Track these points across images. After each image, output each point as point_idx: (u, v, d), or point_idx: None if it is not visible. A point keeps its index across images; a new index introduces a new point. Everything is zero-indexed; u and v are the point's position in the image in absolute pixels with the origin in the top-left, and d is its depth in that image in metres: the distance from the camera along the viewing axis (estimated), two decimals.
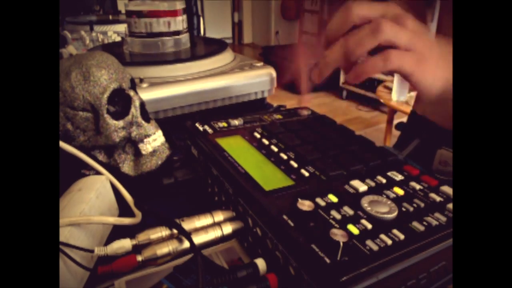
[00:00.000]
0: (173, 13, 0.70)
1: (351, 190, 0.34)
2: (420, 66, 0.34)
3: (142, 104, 0.47)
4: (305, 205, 0.31)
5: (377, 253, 0.26)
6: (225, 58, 0.73)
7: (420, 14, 0.62)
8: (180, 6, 0.71)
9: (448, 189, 0.34)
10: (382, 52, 0.34)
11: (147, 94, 0.57)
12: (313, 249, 0.26)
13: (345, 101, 3.49)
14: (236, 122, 0.49)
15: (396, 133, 0.70)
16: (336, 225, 0.29)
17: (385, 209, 0.31)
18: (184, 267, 0.32)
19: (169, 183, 0.46)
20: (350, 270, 0.25)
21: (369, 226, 0.29)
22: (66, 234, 0.30)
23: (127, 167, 0.46)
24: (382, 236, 0.28)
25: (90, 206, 0.34)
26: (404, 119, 0.77)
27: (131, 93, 0.45)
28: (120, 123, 0.43)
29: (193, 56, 0.70)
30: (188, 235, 0.33)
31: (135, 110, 0.44)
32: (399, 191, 0.34)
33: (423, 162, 0.55)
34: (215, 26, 4.86)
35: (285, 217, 0.30)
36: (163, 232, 0.34)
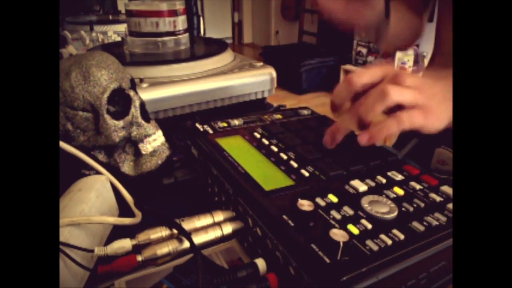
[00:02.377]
0: (173, 13, 0.70)
1: (351, 190, 0.34)
2: (428, 117, 0.37)
3: (142, 104, 0.47)
4: (305, 205, 0.31)
5: (377, 253, 0.26)
6: (225, 58, 0.72)
7: (417, 14, 0.63)
8: (180, 6, 0.71)
9: (448, 189, 0.34)
10: (394, 115, 0.37)
11: (147, 94, 0.57)
12: (313, 249, 0.26)
13: None
14: (236, 122, 0.49)
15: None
16: (336, 225, 0.29)
17: (385, 209, 0.31)
18: (184, 267, 0.32)
19: (169, 183, 0.46)
20: (350, 270, 0.25)
21: (369, 226, 0.29)
22: (66, 234, 0.30)
23: (127, 167, 0.46)
24: (382, 236, 0.28)
25: (90, 206, 0.34)
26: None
27: (131, 93, 0.45)
28: (120, 123, 0.43)
29: (193, 56, 0.70)
30: (188, 235, 0.33)
31: (135, 110, 0.44)
32: (399, 191, 0.34)
33: (421, 161, 0.55)
34: (215, 26, 4.86)
35: (285, 217, 0.30)
36: (163, 232, 0.34)
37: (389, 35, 0.58)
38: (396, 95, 0.36)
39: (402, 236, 0.28)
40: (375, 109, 0.37)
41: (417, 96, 0.37)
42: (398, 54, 2.79)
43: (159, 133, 0.48)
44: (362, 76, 0.39)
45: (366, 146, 0.37)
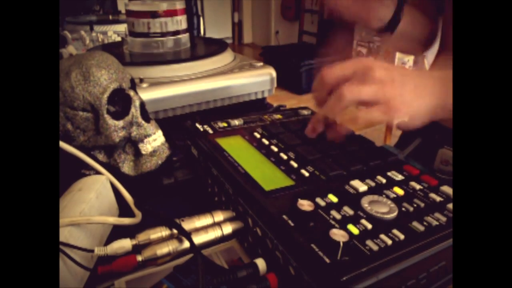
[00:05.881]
0: (173, 13, 0.69)
1: (351, 190, 0.34)
2: (389, 113, 0.38)
3: (142, 104, 0.47)
4: (305, 205, 0.31)
5: (377, 253, 0.26)
6: (225, 58, 0.72)
7: (430, 19, 0.62)
8: (180, 6, 0.71)
9: (448, 189, 0.34)
10: (351, 117, 0.38)
11: (147, 94, 0.57)
12: (313, 249, 0.26)
13: None
14: (236, 122, 0.49)
15: (396, 133, 0.70)
16: (336, 225, 0.29)
17: (385, 209, 0.31)
18: (184, 267, 0.32)
19: (169, 183, 0.46)
20: (350, 270, 0.25)
21: (369, 226, 0.29)
22: (66, 234, 0.30)
23: (127, 167, 0.46)
24: (382, 236, 0.28)
25: (90, 206, 0.34)
26: (404, 118, 0.77)
27: (131, 93, 0.45)
28: (120, 123, 0.43)
29: (193, 56, 0.70)
30: (188, 235, 0.33)
31: (135, 110, 0.44)
32: (399, 191, 0.34)
33: (424, 161, 0.55)
34: (215, 26, 4.85)
35: (285, 217, 0.30)
36: (163, 232, 0.34)
37: (396, 35, 0.58)
38: (351, 96, 0.37)
39: (402, 236, 0.28)
40: (335, 111, 0.39)
41: (379, 92, 0.37)
42: (398, 54, 2.79)
43: (159, 133, 0.48)
44: (333, 71, 0.40)
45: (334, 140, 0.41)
